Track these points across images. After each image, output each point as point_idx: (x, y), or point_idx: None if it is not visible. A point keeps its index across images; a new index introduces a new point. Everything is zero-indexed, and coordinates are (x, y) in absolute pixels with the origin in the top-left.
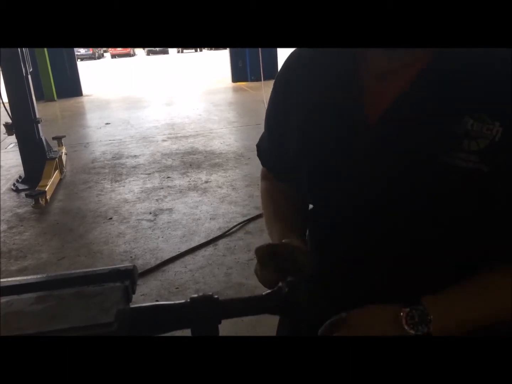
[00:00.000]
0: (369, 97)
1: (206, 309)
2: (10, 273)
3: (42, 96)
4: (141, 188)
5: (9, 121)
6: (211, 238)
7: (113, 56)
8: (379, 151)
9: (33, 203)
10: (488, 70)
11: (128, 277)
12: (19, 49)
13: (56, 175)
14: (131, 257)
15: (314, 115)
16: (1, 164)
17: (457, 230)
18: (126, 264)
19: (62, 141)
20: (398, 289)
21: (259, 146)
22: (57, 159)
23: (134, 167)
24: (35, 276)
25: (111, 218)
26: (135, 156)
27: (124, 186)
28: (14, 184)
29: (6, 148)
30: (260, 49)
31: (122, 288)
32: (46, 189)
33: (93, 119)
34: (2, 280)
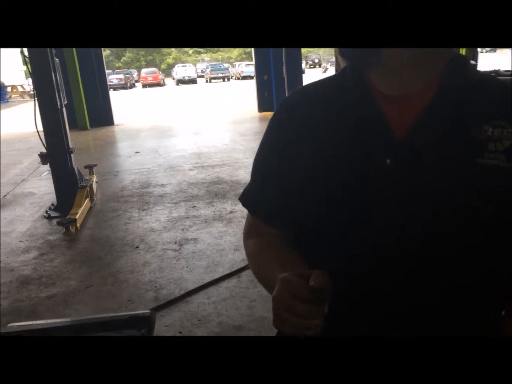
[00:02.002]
0: (390, 120)
1: None
2: (39, 300)
3: (76, 125)
4: (168, 217)
5: (44, 150)
6: (234, 269)
7: (144, 86)
8: (413, 168)
9: (64, 230)
10: (495, 82)
11: (145, 324)
12: (54, 82)
13: (86, 203)
14: (155, 287)
15: (336, 149)
16: (35, 191)
17: (497, 240)
18: (147, 300)
19: (94, 169)
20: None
21: (246, 197)
22: (88, 187)
23: (161, 196)
24: (57, 320)
25: (137, 247)
26: (162, 185)
27: (151, 215)
28: (46, 212)
29: (40, 176)
30: (286, 80)
31: (138, 336)
32: (76, 217)
33: (123, 148)
34: (26, 323)
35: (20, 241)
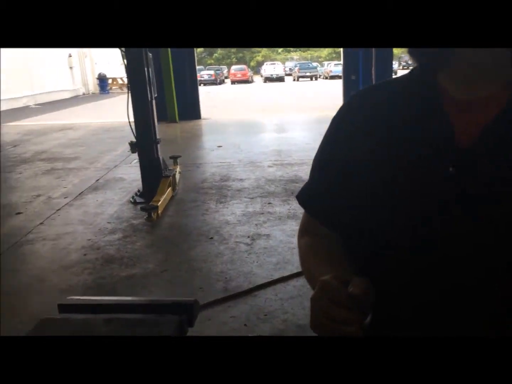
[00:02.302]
0: (456, 126)
1: None
2: (119, 279)
3: (166, 118)
4: (243, 211)
5: (134, 140)
6: None
7: (233, 82)
8: (474, 177)
9: (146, 216)
10: None
11: (186, 311)
12: (146, 76)
13: (168, 192)
14: (225, 278)
15: (395, 151)
16: (125, 177)
17: None
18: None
19: (178, 160)
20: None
21: (302, 195)
22: (171, 177)
23: (239, 190)
24: (109, 298)
25: (212, 238)
26: (241, 179)
27: (227, 208)
28: (132, 197)
29: (130, 163)
30: (373, 81)
31: (177, 321)
32: (158, 205)
33: (207, 141)
34: (81, 297)
35: (108, 222)
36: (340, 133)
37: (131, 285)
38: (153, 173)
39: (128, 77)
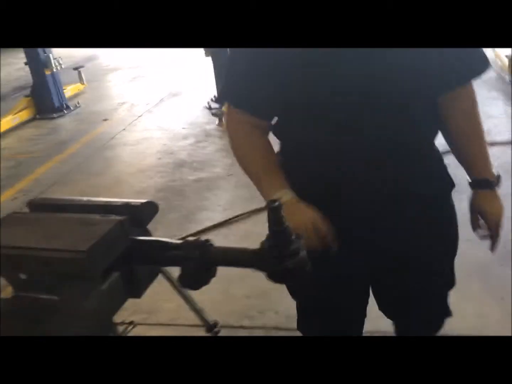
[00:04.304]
0: None
1: (198, 252)
2: (188, 182)
3: None
4: None
5: None
6: None
7: None
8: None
9: (218, 121)
10: None
11: (132, 212)
12: None
13: None
14: None
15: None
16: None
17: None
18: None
19: None
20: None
21: (227, 88)
22: None
23: None
24: (71, 198)
25: None
26: None
27: None
28: (208, 103)
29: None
30: None
31: (115, 221)
32: None
33: None
34: (51, 198)
35: (183, 128)
36: None
37: (198, 188)
38: None
39: None
